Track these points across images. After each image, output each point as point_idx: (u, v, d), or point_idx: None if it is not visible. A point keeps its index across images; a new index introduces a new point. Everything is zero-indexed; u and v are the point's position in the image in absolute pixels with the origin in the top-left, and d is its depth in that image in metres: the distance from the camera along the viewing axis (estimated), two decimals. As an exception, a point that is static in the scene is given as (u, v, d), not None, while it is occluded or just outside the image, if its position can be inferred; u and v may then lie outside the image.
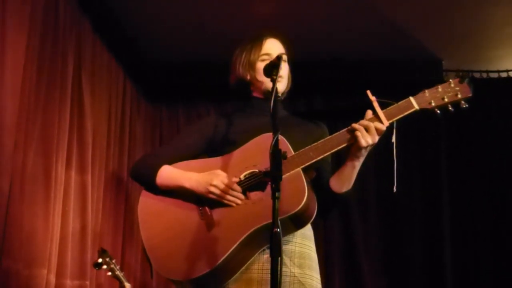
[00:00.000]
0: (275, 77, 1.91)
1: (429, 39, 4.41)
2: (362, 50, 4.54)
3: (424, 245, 4.59)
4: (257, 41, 2.24)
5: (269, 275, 1.90)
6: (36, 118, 3.07)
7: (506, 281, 4.37)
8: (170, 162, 2.12)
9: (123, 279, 3.24)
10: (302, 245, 2.06)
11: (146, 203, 2.11)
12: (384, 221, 4.66)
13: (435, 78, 4.71)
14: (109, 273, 3.24)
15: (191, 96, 4.98)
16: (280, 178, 1.69)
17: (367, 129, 1.93)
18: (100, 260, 3.22)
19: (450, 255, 4.50)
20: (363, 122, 1.95)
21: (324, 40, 4.43)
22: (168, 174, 2.08)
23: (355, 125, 1.95)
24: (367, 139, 1.93)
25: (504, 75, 4.74)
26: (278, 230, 1.62)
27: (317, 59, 4.56)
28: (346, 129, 1.98)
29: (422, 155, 4.76)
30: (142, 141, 4.72)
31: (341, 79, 4.70)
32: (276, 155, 1.70)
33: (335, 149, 1.97)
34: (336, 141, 1.97)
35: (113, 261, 3.26)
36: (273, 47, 2.23)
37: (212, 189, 1.98)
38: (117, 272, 3.23)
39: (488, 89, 4.69)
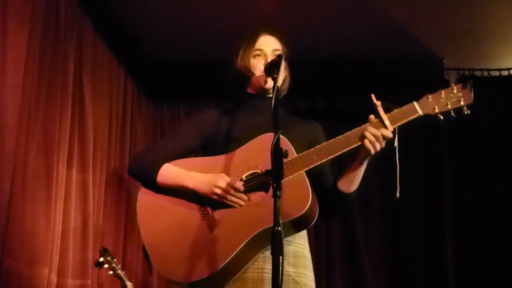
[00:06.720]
0: (276, 76, 1.90)
1: (430, 37, 4.41)
2: (363, 48, 4.54)
3: (426, 244, 4.58)
4: (252, 37, 2.23)
5: (265, 274, 1.94)
6: (37, 117, 3.07)
7: (508, 281, 4.36)
8: (168, 159, 2.10)
9: (124, 278, 3.25)
10: (297, 244, 2.05)
11: (146, 200, 2.09)
12: (386, 221, 4.65)
13: (436, 76, 4.72)
14: (111, 272, 3.24)
15: (192, 94, 4.97)
16: (282, 177, 1.67)
17: (376, 138, 1.92)
18: (101, 259, 3.22)
19: (452, 254, 4.50)
20: (372, 130, 1.92)
21: (325, 39, 4.43)
22: (171, 173, 2.07)
23: (366, 133, 1.93)
24: (376, 147, 1.92)
25: (505, 73, 4.73)
26: (279, 229, 1.60)
27: (318, 57, 4.55)
28: (349, 132, 1.95)
29: (424, 153, 4.76)
30: (143, 139, 4.72)
31: (342, 78, 4.70)
32: (277, 153, 1.69)
33: (339, 153, 1.95)
34: (340, 145, 1.95)
35: (115, 260, 3.26)
36: (266, 43, 2.21)
37: (217, 190, 1.97)
38: (119, 271, 3.23)
39: (489, 87, 4.68)
